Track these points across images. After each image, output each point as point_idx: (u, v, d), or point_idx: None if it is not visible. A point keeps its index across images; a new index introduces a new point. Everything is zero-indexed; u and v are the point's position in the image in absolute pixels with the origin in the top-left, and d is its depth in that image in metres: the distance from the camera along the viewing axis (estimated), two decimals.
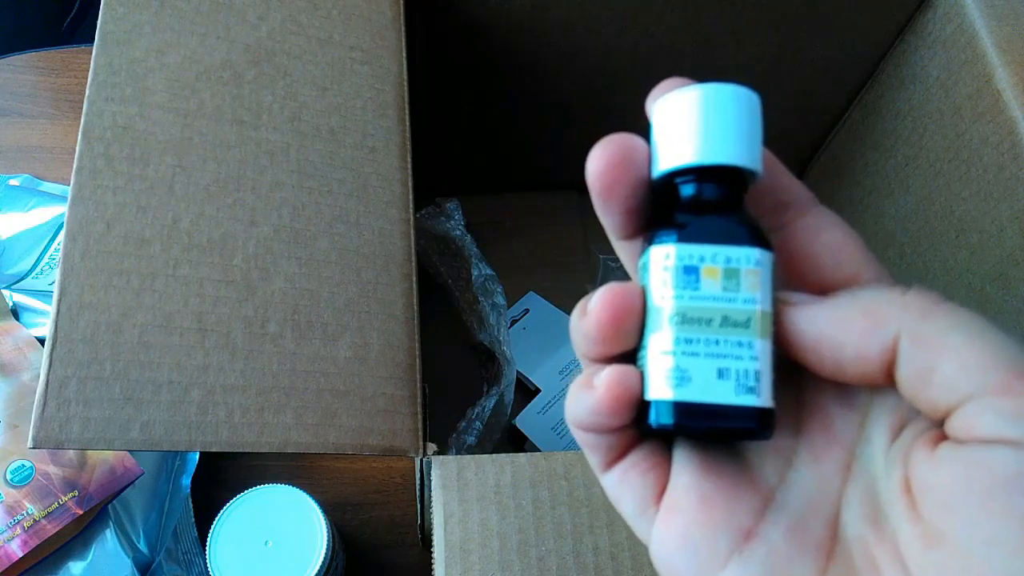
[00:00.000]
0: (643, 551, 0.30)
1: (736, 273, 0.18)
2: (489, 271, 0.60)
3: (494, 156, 0.64)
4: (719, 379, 0.18)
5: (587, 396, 0.19)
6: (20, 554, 0.44)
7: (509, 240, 0.66)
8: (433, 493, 0.31)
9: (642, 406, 0.19)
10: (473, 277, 0.60)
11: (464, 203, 0.63)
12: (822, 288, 0.20)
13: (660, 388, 0.18)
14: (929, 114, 0.51)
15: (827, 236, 0.20)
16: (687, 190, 0.20)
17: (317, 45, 0.38)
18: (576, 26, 0.51)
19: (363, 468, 0.57)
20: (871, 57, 0.56)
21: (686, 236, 0.19)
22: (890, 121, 0.55)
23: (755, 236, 0.19)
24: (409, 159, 0.38)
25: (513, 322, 0.62)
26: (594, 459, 0.21)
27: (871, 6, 0.51)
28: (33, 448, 0.28)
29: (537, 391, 0.59)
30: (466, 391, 0.59)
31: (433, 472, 0.31)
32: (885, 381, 0.18)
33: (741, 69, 0.54)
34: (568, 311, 0.72)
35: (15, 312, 0.56)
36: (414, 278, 0.36)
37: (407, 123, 0.39)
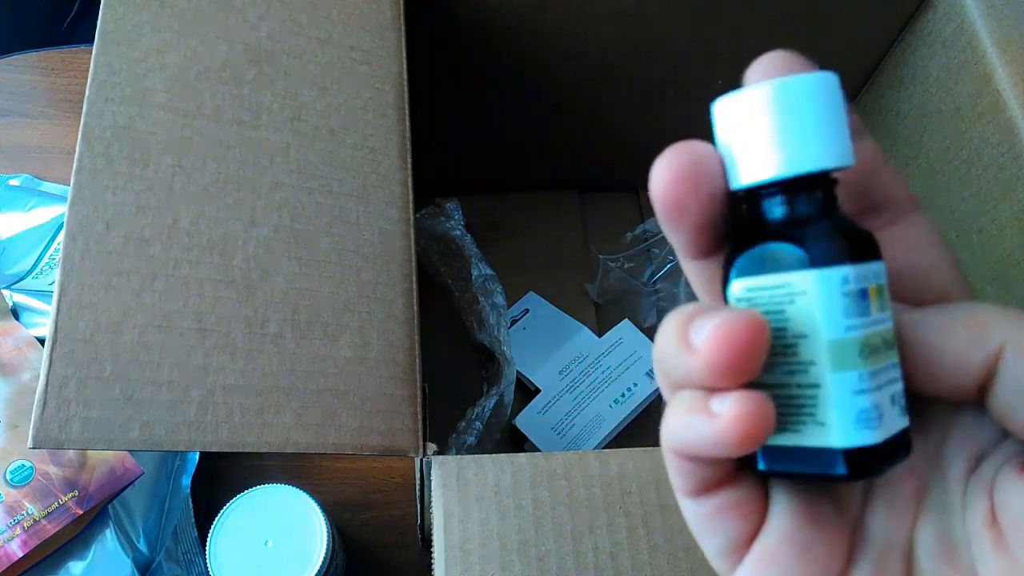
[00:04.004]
0: (643, 551, 0.30)
1: (882, 290, 0.17)
2: (489, 271, 0.60)
3: (494, 156, 0.64)
4: (892, 406, 0.17)
5: (705, 424, 0.16)
6: (20, 554, 0.44)
7: (509, 240, 0.66)
8: (433, 493, 0.31)
9: (814, 454, 0.16)
10: (473, 277, 0.60)
11: (464, 203, 0.63)
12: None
13: (858, 433, 0.16)
14: (929, 114, 0.51)
15: (918, 254, 0.18)
16: (791, 202, 0.17)
17: (317, 45, 0.38)
18: (576, 26, 0.51)
19: (363, 468, 0.57)
20: (871, 57, 0.56)
21: (852, 255, 0.16)
22: (890, 121, 0.55)
23: (879, 245, 0.17)
24: (409, 159, 0.38)
25: (513, 322, 0.62)
26: (682, 483, 0.19)
27: (871, 6, 0.51)
28: (33, 448, 0.28)
29: (537, 391, 0.59)
30: (466, 391, 0.59)
31: (433, 472, 0.31)
32: (975, 397, 0.17)
33: (741, 69, 0.54)
34: (568, 311, 0.72)
35: (15, 312, 0.56)
36: (414, 278, 0.36)
37: (407, 123, 0.39)
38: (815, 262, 0.16)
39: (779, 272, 0.17)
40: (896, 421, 0.17)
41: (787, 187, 0.17)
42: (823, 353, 0.16)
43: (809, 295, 0.16)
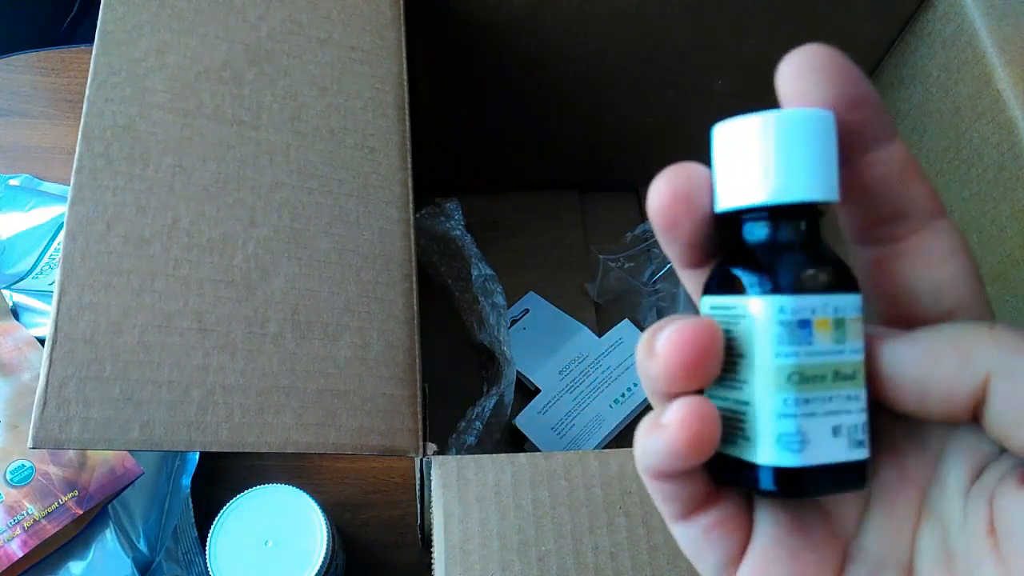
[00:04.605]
0: (643, 551, 0.30)
1: (843, 323, 0.17)
2: (489, 271, 0.60)
3: (494, 156, 0.64)
4: (834, 437, 0.17)
5: (658, 437, 0.17)
6: (20, 554, 0.44)
7: (509, 240, 0.66)
8: (433, 493, 0.31)
9: (747, 467, 0.18)
10: (473, 277, 0.60)
11: (464, 203, 0.63)
12: (907, 319, 0.19)
13: (778, 454, 0.17)
14: (929, 114, 0.51)
15: (936, 269, 0.18)
16: (767, 229, 0.18)
17: (317, 45, 0.38)
18: (576, 26, 0.51)
19: (363, 468, 0.57)
20: (871, 57, 0.56)
21: (796, 287, 0.17)
22: None
23: (854, 279, 0.18)
24: (409, 159, 0.38)
25: (513, 322, 0.62)
26: (668, 509, 0.20)
27: (871, 6, 0.51)
28: (33, 448, 0.28)
29: (537, 391, 0.59)
30: (466, 391, 0.59)
31: (433, 472, 0.31)
32: (969, 419, 0.17)
33: (741, 69, 0.54)
34: (568, 311, 0.71)
35: (15, 312, 0.56)
36: (414, 278, 0.36)
37: (407, 123, 0.39)
38: (755, 289, 0.17)
39: (730, 294, 0.18)
40: (836, 451, 0.17)
41: (754, 215, 0.18)
42: (754, 374, 0.17)
43: (748, 319, 0.17)
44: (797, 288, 0.17)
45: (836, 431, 0.17)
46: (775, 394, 0.17)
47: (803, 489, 0.17)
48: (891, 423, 0.19)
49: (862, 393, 0.18)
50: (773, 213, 0.18)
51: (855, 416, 0.18)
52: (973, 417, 0.17)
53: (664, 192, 0.18)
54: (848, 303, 0.17)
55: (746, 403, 0.18)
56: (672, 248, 0.19)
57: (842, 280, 0.18)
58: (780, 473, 0.17)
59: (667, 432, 0.17)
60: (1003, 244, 0.44)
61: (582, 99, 0.57)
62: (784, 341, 0.17)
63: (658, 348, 0.17)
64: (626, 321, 0.61)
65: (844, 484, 0.18)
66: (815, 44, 0.17)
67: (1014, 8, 0.44)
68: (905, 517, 0.19)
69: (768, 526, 0.19)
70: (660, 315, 0.63)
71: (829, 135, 0.17)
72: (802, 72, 0.17)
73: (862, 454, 0.18)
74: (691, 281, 0.20)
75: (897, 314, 0.19)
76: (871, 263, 0.19)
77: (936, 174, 0.50)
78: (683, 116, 0.59)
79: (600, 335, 0.61)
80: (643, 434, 0.18)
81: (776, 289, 0.17)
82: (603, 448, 0.57)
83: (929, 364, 0.17)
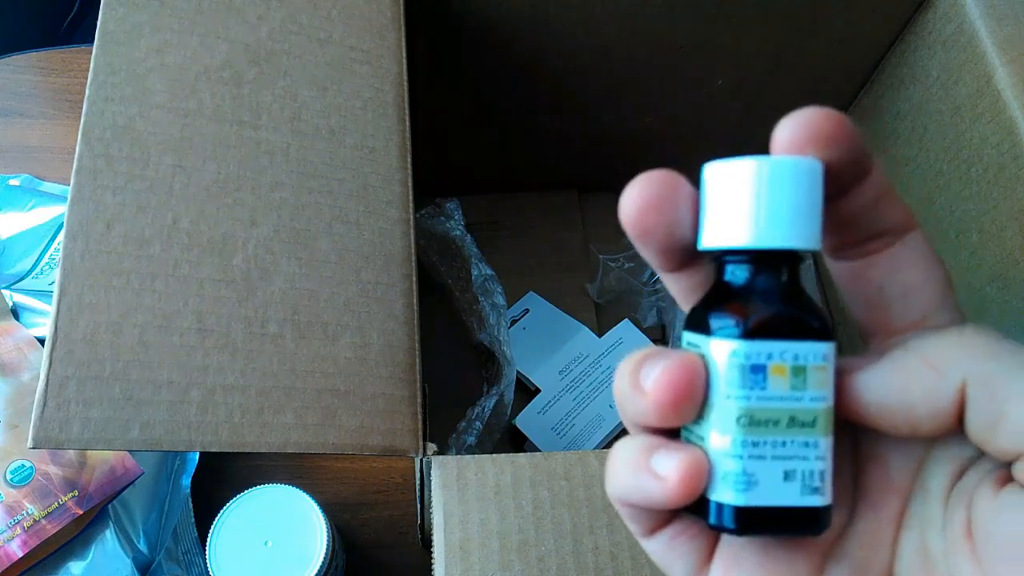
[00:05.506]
0: (643, 551, 0.30)
1: (803, 371, 0.17)
2: (489, 271, 0.60)
3: (494, 156, 0.64)
4: (785, 481, 0.18)
5: (651, 484, 0.18)
6: (20, 554, 0.44)
7: (509, 240, 0.66)
8: (433, 493, 0.31)
9: (702, 499, 0.18)
10: (473, 277, 0.60)
11: (464, 203, 0.63)
12: (882, 327, 0.19)
13: (724, 491, 0.18)
14: (929, 114, 0.51)
15: (906, 274, 0.19)
16: (743, 272, 0.18)
17: (317, 45, 0.38)
18: (576, 26, 0.51)
19: (363, 468, 0.57)
20: (871, 57, 0.56)
21: (752, 331, 0.18)
22: (890, 121, 0.55)
23: (822, 328, 0.18)
24: (409, 159, 0.38)
25: (513, 322, 0.62)
26: (635, 527, 0.20)
27: (871, 6, 0.51)
28: (33, 448, 0.28)
29: (537, 391, 0.59)
30: (466, 391, 0.59)
31: (433, 472, 0.31)
32: (957, 428, 0.17)
33: (741, 69, 0.54)
34: (568, 311, 0.71)
35: (15, 312, 0.56)
36: (414, 278, 0.36)
37: (407, 123, 0.39)
38: (716, 331, 0.18)
39: (698, 333, 0.19)
40: (786, 496, 0.18)
41: (734, 257, 0.19)
42: (710, 412, 0.18)
43: (708, 358, 0.18)
44: (755, 333, 0.17)
45: (788, 475, 0.18)
46: (724, 434, 0.18)
47: (745, 528, 0.18)
48: (876, 435, 0.19)
49: (823, 441, 0.18)
50: (751, 257, 0.18)
51: (812, 463, 0.18)
52: (957, 425, 0.17)
53: (634, 200, 0.18)
54: (812, 351, 0.18)
55: (701, 438, 0.18)
56: (648, 254, 0.19)
57: (809, 329, 0.18)
58: (725, 510, 0.18)
59: (665, 484, 0.18)
60: (1003, 244, 0.44)
61: (582, 99, 0.57)
62: (735, 384, 0.17)
63: (646, 385, 0.18)
64: (626, 321, 0.61)
65: (791, 528, 0.18)
66: (811, 109, 0.17)
67: (1014, 8, 0.44)
68: (888, 522, 0.19)
69: None
70: (660, 315, 0.63)
71: (816, 185, 0.17)
72: (797, 143, 0.17)
73: (817, 501, 0.18)
74: (672, 284, 0.21)
75: (872, 320, 0.19)
76: (845, 272, 0.19)
77: (936, 174, 0.50)
78: (683, 116, 0.59)
79: (600, 335, 0.61)
80: (631, 472, 0.18)
81: (734, 332, 0.18)
82: (603, 448, 0.57)
83: (907, 385, 0.17)
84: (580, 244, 0.66)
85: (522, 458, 0.32)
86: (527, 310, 0.63)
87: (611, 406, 0.58)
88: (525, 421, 0.57)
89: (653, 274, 0.65)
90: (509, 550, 0.30)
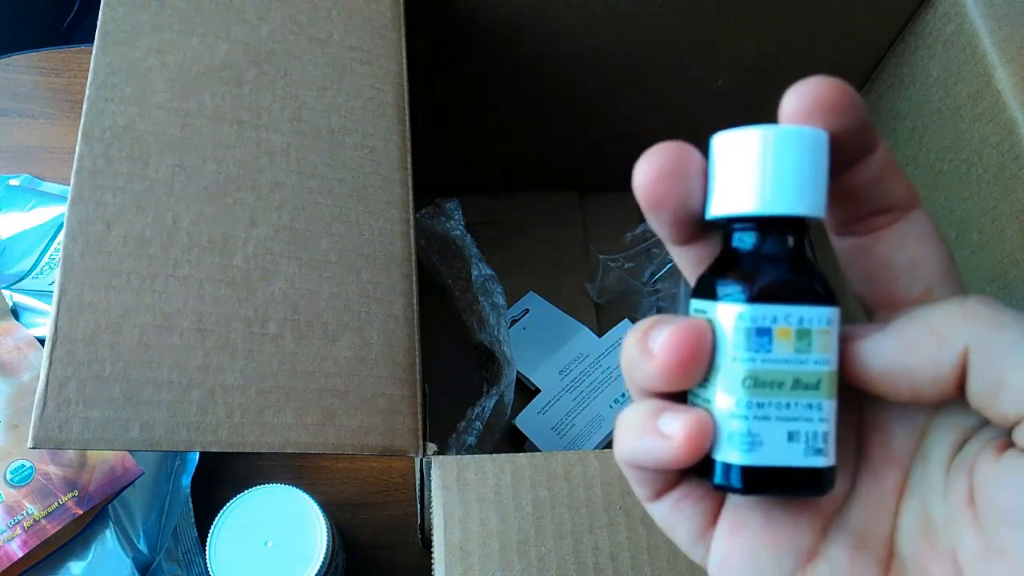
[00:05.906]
0: (643, 551, 0.30)
1: (808, 334, 0.18)
2: (489, 271, 0.60)
3: (494, 156, 0.64)
4: (789, 442, 0.18)
5: (658, 444, 0.18)
6: (20, 554, 0.44)
7: (509, 240, 0.66)
8: (433, 493, 0.31)
9: (707, 460, 0.18)
10: (473, 277, 0.60)
11: (464, 203, 0.63)
12: (887, 301, 0.19)
13: (729, 451, 0.18)
14: (929, 114, 0.51)
15: (912, 249, 0.19)
16: (750, 239, 0.19)
17: (317, 45, 0.38)
18: (576, 26, 0.51)
19: (363, 468, 0.57)
20: (871, 57, 0.56)
21: (758, 295, 0.18)
22: (890, 121, 0.55)
23: (827, 293, 0.18)
24: (409, 159, 0.38)
25: (513, 322, 0.62)
26: (642, 491, 0.21)
27: (871, 6, 0.51)
28: (33, 448, 0.28)
29: (537, 391, 0.59)
30: (466, 391, 0.59)
31: (433, 472, 0.31)
32: (959, 395, 0.17)
33: (741, 69, 0.54)
34: (568, 311, 0.71)
35: (15, 312, 0.56)
36: (414, 278, 0.36)
37: (407, 123, 0.39)
38: (722, 296, 0.18)
39: (705, 299, 0.19)
40: (790, 456, 0.18)
41: (741, 224, 0.19)
42: (716, 374, 0.18)
43: (715, 323, 0.18)
44: (760, 297, 0.18)
45: (792, 436, 0.18)
46: (730, 395, 0.18)
47: (750, 487, 0.18)
48: (879, 403, 0.19)
49: (827, 403, 0.18)
50: (758, 224, 0.19)
51: (816, 425, 0.18)
52: (959, 392, 0.17)
53: (649, 170, 0.18)
54: (817, 315, 0.18)
55: (708, 400, 0.19)
56: (660, 226, 0.20)
57: (814, 293, 0.18)
58: (731, 470, 0.18)
59: (671, 443, 0.18)
60: (1003, 244, 0.44)
61: (582, 99, 0.57)
62: (741, 347, 0.18)
63: (655, 348, 0.18)
64: (626, 321, 0.61)
65: (795, 488, 0.18)
66: (817, 78, 0.18)
67: (1014, 8, 0.44)
68: (889, 491, 0.19)
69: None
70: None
71: (822, 154, 0.18)
72: (804, 112, 0.18)
73: (820, 462, 0.18)
74: (681, 257, 0.21)
75: (877, 294, 0.20)
76: (850, 249, 0.20)
77: (936, 174, 0.50)
78: (683, 116, 0.59)
79: (600, 335, 0.61)
80: (637, 434, 0.19)
81: (740, 297, 0.18)
82: (603, 448, 0.57)
83: (910, 350, 0.17)
84: (580, 244, 0.66)
85: (522, 458, 0.32)
86: (527, 310, 0.63)
87: (611, 406, 0.58)
88: (525, 421, 0.57)
89: (653, 274, 0.65)
90: (509, 550, 0.30)
